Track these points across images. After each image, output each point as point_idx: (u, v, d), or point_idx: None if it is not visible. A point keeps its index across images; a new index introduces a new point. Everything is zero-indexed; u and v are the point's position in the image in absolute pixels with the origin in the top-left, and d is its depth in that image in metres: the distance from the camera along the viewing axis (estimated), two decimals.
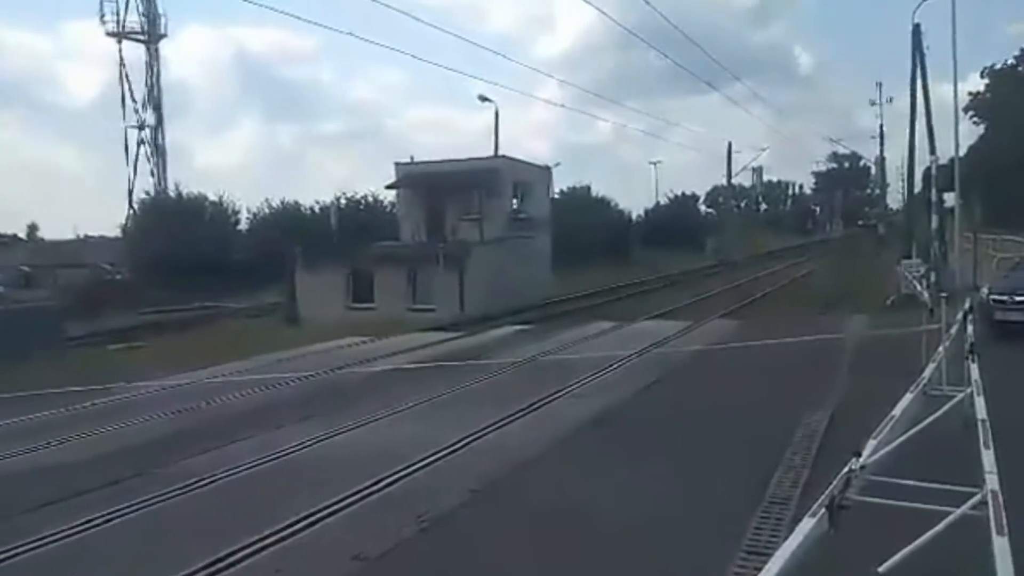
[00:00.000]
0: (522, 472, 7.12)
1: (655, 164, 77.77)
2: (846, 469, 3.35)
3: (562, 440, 8.14)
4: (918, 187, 29.63)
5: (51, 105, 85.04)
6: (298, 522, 5.80)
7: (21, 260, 46.73)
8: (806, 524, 2.97)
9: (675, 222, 63.40)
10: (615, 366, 12.51)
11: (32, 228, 64.96)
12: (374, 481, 6.73)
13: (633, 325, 19.11)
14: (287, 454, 8.02)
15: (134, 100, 47.96)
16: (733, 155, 57.92)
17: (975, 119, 49.18)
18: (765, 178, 78.63)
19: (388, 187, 34.59)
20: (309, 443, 8.41)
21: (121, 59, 47.93)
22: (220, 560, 5.16)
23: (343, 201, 42.89)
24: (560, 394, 10.37)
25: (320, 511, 6.02)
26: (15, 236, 64.69)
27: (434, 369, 13.65)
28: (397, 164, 32.73)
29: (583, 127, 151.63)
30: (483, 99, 36.09)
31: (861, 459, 3.56)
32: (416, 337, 18.40)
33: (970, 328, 7.21)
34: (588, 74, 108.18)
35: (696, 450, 7.47)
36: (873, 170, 72.19)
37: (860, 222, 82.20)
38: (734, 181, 63.83)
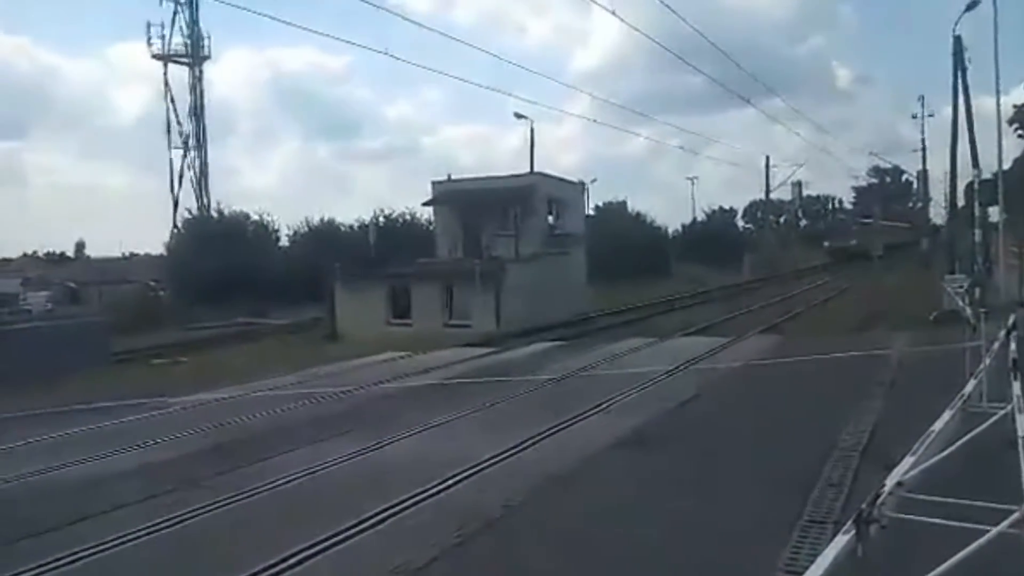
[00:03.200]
0: (556, 487, 7.14)
1: (692, 180, 77.45)
2: (880, 486, 3.33)
3: (596, 457, 8.14)
4: (961, 201, 29.11)
5: (98, 126, 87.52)
6: (340, 533, 5.89)
7: (68, 277, 48.03)
8: (839, 541, 2.96)
9: (713, 237, 62.92)
10: (651, 382, 12.47)
11: (80, 246, 66.90)
12: (413, 494, 6.82)
13: (670, 341, 19.02)
14: (329, 466, 8.15)
15: (179, 121, 49.24)
16: (771, 170, 57.46)
17: (1020, 131, 48.08)
18: (804, 193, 77.42)
19: (425, 204, 35.05)
20: (350, 456, 8.53)
21: (166, 81, 49.32)
22: (262, 571, 5.27)
23: (381, 218, 43.43)
24: (594, 411, 10.36)
25: (361, 522, 6.12)
26: (63, 254, 66.65)
27: (470, 385, 13.74)
28: (434, 182, 33.11)
29: (619, 142, 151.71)
30: (519, 116, 36.44)
31: (898, 476, 3.54)
32: (452, 353, 18.52)
33: (1013, 344, 7.09)
34: (624, 88, 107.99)
35: (732, 467, 7.44)
36: (915, 184, 70.83)
37: (826, 243, 67.07)
38: (773, 196, 63.15)
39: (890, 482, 3.40)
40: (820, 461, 7.13)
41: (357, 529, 6.03)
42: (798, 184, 62.04)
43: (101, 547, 5.95)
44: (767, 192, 60.25)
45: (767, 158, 57.61)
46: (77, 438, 10.69)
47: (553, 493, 6.98)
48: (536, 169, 34.67)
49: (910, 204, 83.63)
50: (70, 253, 67.00)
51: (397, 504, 6.57)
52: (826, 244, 67.24)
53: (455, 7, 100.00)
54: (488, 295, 25.97)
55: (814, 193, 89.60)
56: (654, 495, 6.75)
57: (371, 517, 6.24)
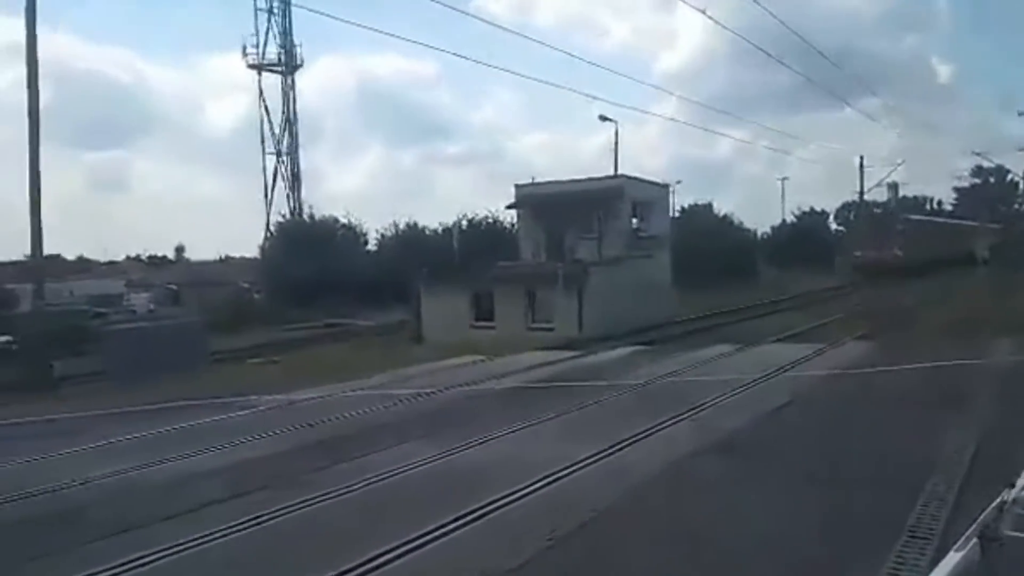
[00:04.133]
0: (644, 493, 7.11)
1: (782, 180, 75.20)
2: (998, 500, 3.20)
3: (684, 463, 8.06)
4: None
5: (196, 134, 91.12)
6: (428, 534, 5.98)
7: (169, 279, 50.40)
8: (951, 559, 2.86)
9: (803, 240, 61.19)
10: (740, 389, 12.23)
11: (179, 249, 70.09)
12: (505, 494, 6.90)
13: (758, 347, 18.59)
14: (419, 466, 8.30)
15: (272, 128, 51.04)
16: (865, 170, 55.48)
17: None
18: (901, 194, 74.26)
19: (508, 207, 35.26)
20: (439, 457, 8.67)
21: (260, 90, 51.22)
22: (351, 570, 5.37)
23: (464, 222, 43.93)
24: (682, 417, 10.24)
25: (449, 524, 6.20)
26: (164, 257, 69.94)
27: (554, 388, 13.76)
28: (517, 185, 33.29)
29: (704, 143, 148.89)
30: (603, 119, 36.34)
31: (1015, 491, 3.39)
32: (536, 356, 18.57)
33: None
34: (710, 89, 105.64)
35: (826, 479, 7.23)
36: (1021, 185, 67.20)
37: (857, 253, 49.72)
38: (868, 197, 60.94)
39: (1007, 496, 3.26)
40: (923, 473, 6.89)
41: (447, 530, 6.11)
42: (894, 185, 59.74)
43: (190, 543, 6.10)
44: (860, 193, 58.27)
45: (860, 158, 55.73)
46: (173, 435, 11.03)
47: (642, 498, 6.96)
48: (620, 172, 34.49)
49: (1016, 205, 79.41)
50: (171, 256, 70.27)
51: (489, 504, 6.65)
52: (857, 255, 49.79)
53: (535, 11, 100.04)
54: (571, 298, 25.94)
55: (911, 194, 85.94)
56: (745, 502, 6.64)
57: (464, 516, 6.33)
